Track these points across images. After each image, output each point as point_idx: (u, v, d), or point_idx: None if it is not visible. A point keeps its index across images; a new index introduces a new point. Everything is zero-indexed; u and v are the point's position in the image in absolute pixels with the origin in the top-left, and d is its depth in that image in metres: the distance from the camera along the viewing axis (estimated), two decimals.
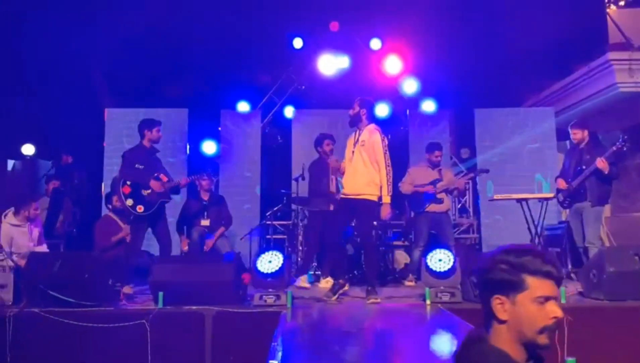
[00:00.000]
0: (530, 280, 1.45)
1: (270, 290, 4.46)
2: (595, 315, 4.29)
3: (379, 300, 4.77)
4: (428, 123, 8.53)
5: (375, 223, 5.76)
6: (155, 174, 5.43)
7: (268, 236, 7.66)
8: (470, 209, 8.96)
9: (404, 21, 8.10)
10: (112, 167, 7.58)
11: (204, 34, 8.35)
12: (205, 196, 6.59)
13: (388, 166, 4.89)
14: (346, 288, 5.08)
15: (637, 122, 8.40)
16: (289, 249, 7.11)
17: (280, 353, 2.96)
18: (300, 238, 6.81)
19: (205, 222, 6.44)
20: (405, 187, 6.27)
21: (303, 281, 5.92)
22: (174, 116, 8.22)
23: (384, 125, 5.35)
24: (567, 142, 7.45)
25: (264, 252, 4.60)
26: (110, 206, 6.26)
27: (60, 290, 4.21)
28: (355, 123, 5.11)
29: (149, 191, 5.34)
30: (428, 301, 4.60)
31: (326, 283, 5.70)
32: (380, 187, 4.88)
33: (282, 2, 8.21)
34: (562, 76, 8.56)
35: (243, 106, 8.60)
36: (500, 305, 1.48)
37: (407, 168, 6.91)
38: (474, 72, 8.58)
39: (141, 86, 8.72)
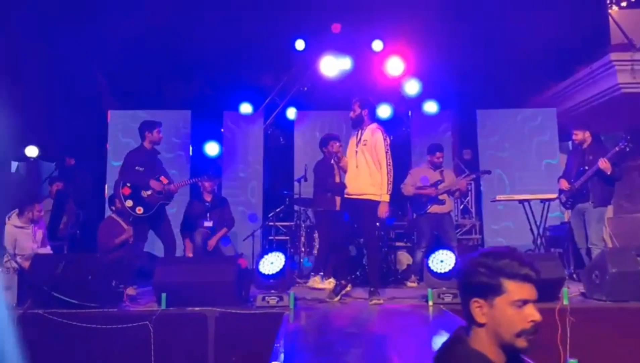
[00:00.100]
0: (508, 284, 1.46)
1: (272, 291, 4.48)
2: (598, 316, 4.28)
3: (381, 301, 4.77)
4: (430, 124, 8.54)
5: (377, 224, 5.76)
6: (156, 176, 5.47)
7: (270, 237, 7.67)
8: (473, 210, 8.96)
9: (405, 22, 8.11)
10: (115, 169, 7.58)
11: (206, 36, 8.36)
12: (207, 198, 6.62)
13: (389, 165, 4.88)
14: (348, 289, 5.09)
15: None
16: (292, 250, 7.12)
17: (282, 355, 2.97)
18: (302, 239, 6.81)
19: (208, 224, 6.47)
20: (407, 189, 6.28)
21: (317, 282, 5.80)
22: (177, 117, 8.26)
23: (386, 126, 5.34)
24: (570, 143, 7.45)
25: (266, 253, 4.62)
26: (113, 208, 6.28)
27: (63, 292, 4.22)
28: (358, 125, 5.11)
29: (149, 192, 5.37)
30: (430, 302, 4.59)
31: (329, 284, 5.71)
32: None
33: (284, 4, 8.22)
34: (564, 77, 8.55)
35: (245, 108, 8.61)
36: (478, 309, 1.49)
37: (409, 169, 6.91)
38: (476, 73, 8.58)
39: (144, 88, 8.75)
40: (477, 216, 8.75)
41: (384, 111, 8.63)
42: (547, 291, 4.42)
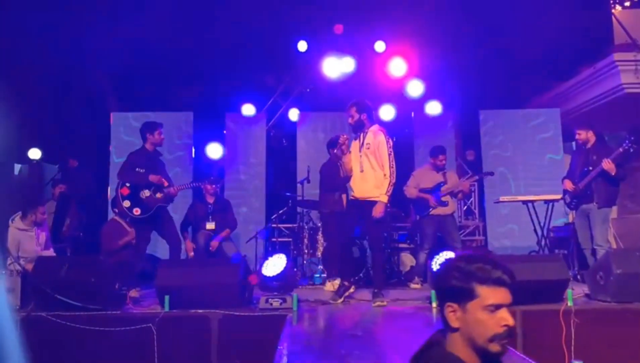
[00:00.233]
0: (480, 289, 1.44)
1: (276, 293, 4.47)
2: (602, 317, 4.26)
3: (385, 303, 4.76)
4: (433, 125, 8.52)
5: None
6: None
7: (273, 239, 7.67)
8: (476, 212, 8.94)
9: (408, 23, 8.10)
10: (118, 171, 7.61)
11: (208, 38, 8.37)
12: (210, 200, 6.62)
13: (392, 166, 4.87)
14: (352, 290, 5.07)
15: None
16: (295, 252, 7.11)
17: (286, 357, 2.96)
18: (305, 241, 6.80)
19: (210, 226, 6.46)
20: (410, 191, 6.27)
21: (334, 286, 5.61)
22: (179, 119, 8.26)
23: (388, 127, 5.33)
24: (574, 143, 7.42)
25: (270, 255, 4.62)
26: (116, 210, 6.28)
27: (67, 294, 4.21)
28: (359, 129, 5.08)
29: (148, 194, 5.37)
30: (434, 304, 4.57)
31: (332, 285, 5.69)
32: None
33: (286, 5, 8.22)
34: (567, 77, 8.53)
35: (248, 109, 8.60)
36: (452, 313, 1.48)
37: (412, 170, 6.89)
38: (479, 74, 8.55)
39: (147, 90, 8.75)
40: (481, 217, 8.73)
41: (387, 112, 8.61)
42: (552, 292, 4.41)
